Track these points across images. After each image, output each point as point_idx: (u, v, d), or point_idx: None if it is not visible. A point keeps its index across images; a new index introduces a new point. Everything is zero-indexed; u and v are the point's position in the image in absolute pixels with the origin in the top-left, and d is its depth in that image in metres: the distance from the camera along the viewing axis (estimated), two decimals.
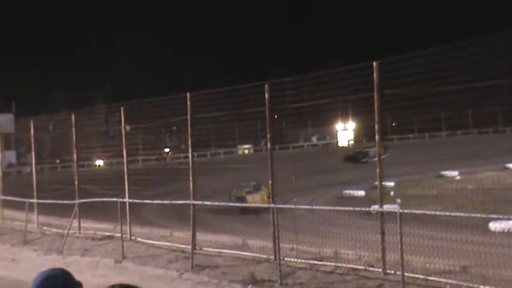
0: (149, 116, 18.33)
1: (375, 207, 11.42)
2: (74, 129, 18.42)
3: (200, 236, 13.71)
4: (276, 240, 11.53)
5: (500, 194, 21.13)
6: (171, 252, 13.80)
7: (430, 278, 9.63)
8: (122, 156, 16.74)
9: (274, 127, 13.25)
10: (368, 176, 22.27)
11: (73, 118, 18.41)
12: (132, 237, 15.43)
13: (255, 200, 23.07)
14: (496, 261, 9.77)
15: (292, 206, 15.97)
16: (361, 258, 11.17)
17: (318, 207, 17.68)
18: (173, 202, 15.92)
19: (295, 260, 11.59)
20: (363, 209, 13.30)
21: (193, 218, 13.33)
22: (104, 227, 17.22)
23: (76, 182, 18.25)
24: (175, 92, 15.19)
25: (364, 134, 46.47)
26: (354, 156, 42.25)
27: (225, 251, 13.08)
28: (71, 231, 16.46)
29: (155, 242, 14.82)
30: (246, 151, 50.18)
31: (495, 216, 13.66)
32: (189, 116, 14.16)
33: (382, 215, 10.61)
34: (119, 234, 14.86)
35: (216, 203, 17.18)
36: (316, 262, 11.32)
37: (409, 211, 10.89)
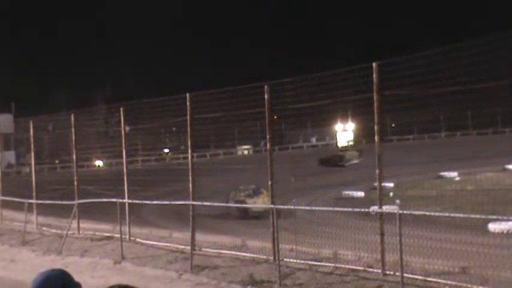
0: (149, 116, 18.33)
1: (374, 208, 11.41)
2: (73, 130, 18.42)
3: (199, 237, 13.71)
4: (275, 241, 11.53)
5: (499, 195, 21.12)
6: (170, 253, 13.79)
7: (429, 279, 9.64)
8: (122, 157, 16.75)
9: (274, 128, 13.25)
10: (361, 178, 22.36)
11: (72, 118, 18.41)
12: (131, 238, 15.43)
13: (257, 204, 22.36)
14: (495, 262, 9.77)
15: (292, 207, 15.98)
16: (360, 259, 11.17)
17: (317, 208, 17.67)
18: (173, 203, 15.93)
19: (295, 260, 11.59)
20: (362, 209, 13.29)
21: (192, 219, 13.32)
22: (103, 228, 17.21)
23: (75, 183, 18.23)
24: (175, 92, 15.21)
25: (363, 135, 46.41)
26: (330, 159, 41.16)
27: (225, 251, 13.08)
28: (70, 232, 16.45)
29: (154, 243, 14.81)
30: (246, 152, 50.18)
31: (494, 217, 13.63)
32: (188, 117, 14.16)
33: (381, 215, 10.61)
34: (118, 235, 14.85)
35: (216, 204, 17.14)
36: (315, 263, 11.32)
37: (408, 212, 10.89)
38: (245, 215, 19.16)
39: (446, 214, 11.78)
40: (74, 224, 17.10)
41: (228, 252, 13.01)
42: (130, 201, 15.80)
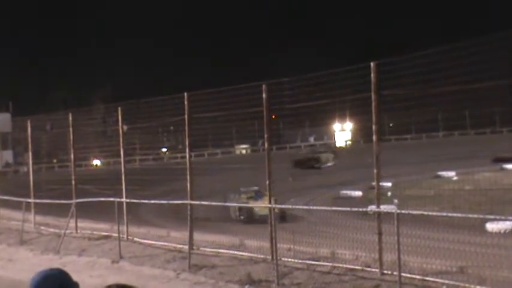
0: (146, 115, 18.33)
1: (372, 208, 11.43)
2: (71, 129, 18.41)
3: (197, 236, 13.71)
4: (273, 240, 11.54)
5: (497, 194, 21.16)
6: (168, 252, 13.79)
7: (427, 278, 9.64)
8: (119, 156, 16.74)
9: (272, 127, 13.26)
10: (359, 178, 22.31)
11: (70, 118, 18.40)
12: (129, 237, 15.42)
13: (261, 208, 21.07)
14: (492, 261, 9.78)
15: (290, 206, 15.99)
16: (358, 259, 11.17)
17: (315, 208, 17.67)
18: (170, 202, 15.92)
19: (292, 260, 11.59)
20: (360, 209, 13.31)
21: (190, 218, 13.32)
22: (101, 227, 17.19)
23: (73, 182, 18.21)
24: (175, 92, 15.20)
25: (361, 135, 46.43)
26: (305, 161, 39.91)
27: (222, 251, 13.08)
28: (67, 231, 16.44)
29: (152, 242, 14.80)
30: (244, 151, 50.25)
31: (492, 217, 13.67)
32: (186, 116, 14.15)
33: (379, 215, 10.62)
34: (116, 234, 14.83)
35: (215, 203, 17.13)
36: (313, 262, 11.32)
37: (406, 211, 10.91)
38: (250, 219, 18.25)
39: (444, 214, 11.78)
40: (72, 223, 17.08)
41: (226, 251, 13.01)
42: (128, 200, 15.79)
